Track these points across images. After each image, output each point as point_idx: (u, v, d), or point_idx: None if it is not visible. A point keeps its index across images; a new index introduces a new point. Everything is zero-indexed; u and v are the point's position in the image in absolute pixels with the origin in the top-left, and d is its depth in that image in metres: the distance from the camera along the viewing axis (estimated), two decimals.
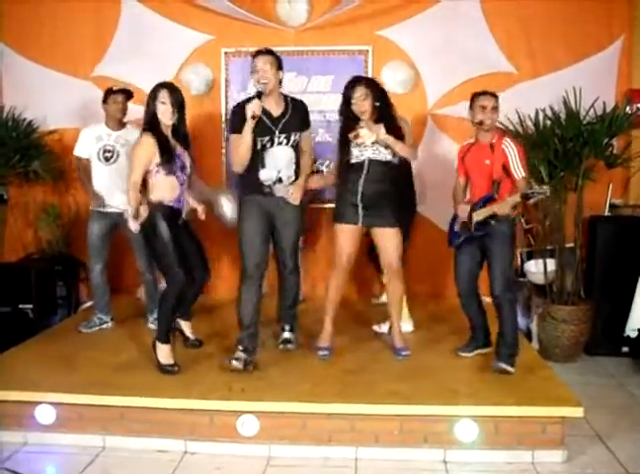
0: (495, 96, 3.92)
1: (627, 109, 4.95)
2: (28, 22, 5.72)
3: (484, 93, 3.93)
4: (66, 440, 3.55)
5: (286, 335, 4.27)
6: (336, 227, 4.10)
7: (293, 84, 5.57)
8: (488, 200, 3.84)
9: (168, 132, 3.87)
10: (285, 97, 4.08)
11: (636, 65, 5.42)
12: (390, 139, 3.89)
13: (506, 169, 3.82)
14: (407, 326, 4.59)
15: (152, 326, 4.70)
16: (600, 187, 5.10)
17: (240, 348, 3.88)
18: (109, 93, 4.67)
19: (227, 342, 4.30)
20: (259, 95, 3.88)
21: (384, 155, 3.97)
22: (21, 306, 5.15)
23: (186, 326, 4.35)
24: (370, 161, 3.96)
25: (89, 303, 5.35)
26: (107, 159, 4.63)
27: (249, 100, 3.95)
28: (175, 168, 3.82)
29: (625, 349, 4.98)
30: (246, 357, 3.83)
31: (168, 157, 3.77)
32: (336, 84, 5.49)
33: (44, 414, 3.57)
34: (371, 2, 5.47)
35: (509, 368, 3.79)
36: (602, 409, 3.98)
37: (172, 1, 5.61)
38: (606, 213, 5.26)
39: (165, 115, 3.80)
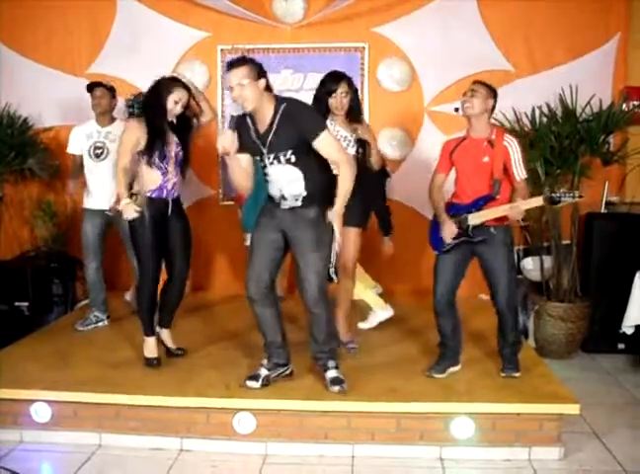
0: (482, 83, 3.64)
1: (623, 106, 4.95)
2: (23, 18, 5.70)
3: (474, 81, 3.70)
4: (62, 438, 3.54)
5: (333, 373, 3.57)
6: None
7: (290, 81, 5.58)
8: (487, 201, 3.58)
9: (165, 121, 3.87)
10: (277, 103, 3.35)
11: (632, 63, 5.42)
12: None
13: (504, 168, 3.59)
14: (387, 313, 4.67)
15: None
16: (596, 184, 5.10)
17: (265, 362, 3.64)
18: (88, 88, 4.70)
19: (224, 340, 4.31)
20: (232, 117, 3.43)
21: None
22: (17, 304, 5.16)
23: (166, 335, 4.11)
24: None
25: (85, 301, 5.34)
26: (97, 156, 4.62)
27: (242, 117, 3.46)
28: (154, 159, 3.78)
29: (621, 345, 4.99)
30: (268, 374, 3.62)
31: (151, 146, 3.75)
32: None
33: (40, 412, 3.56)
34: None
35: (516, 375, 3.72)
36: (599, 406, 3.99)
37: None
38: (603, 210, 5.26)
39: (172, 113, 3.80)
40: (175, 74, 4.14)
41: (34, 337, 4.54)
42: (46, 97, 5.69)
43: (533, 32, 5.45)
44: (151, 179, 3.83)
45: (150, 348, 3.95)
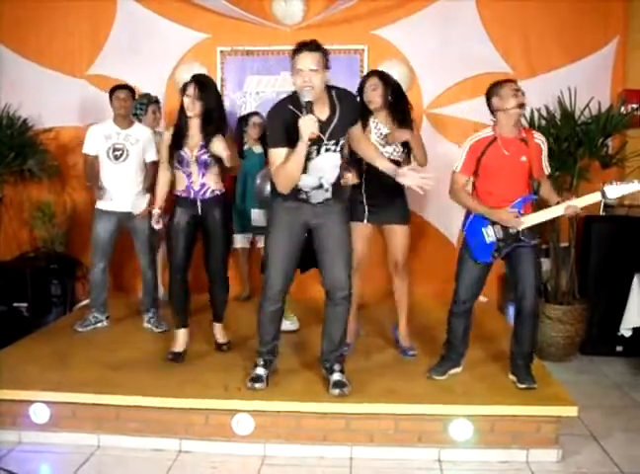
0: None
1: (622, 109, 4.96)
2: (23, 20, 5.70)
3: (507, 80, 3.59)
4: (61, 439, 3.55)
5: (337, 377, 3.57)
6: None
7: (289, 83, 5.56)
8: (527, 202, 3.54)
9: (193, 123, 3.93)
10: (329, 91, 3.37)
11: (631, 66, 5.43)
12: (413, 141, 3.94)
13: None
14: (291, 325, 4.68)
15: (148, 325, 4.70)
16: (594, 187, 5.07)
17: (261, 362, 3.67)
18: (112, 90, 4.65)
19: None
20: (308, 103, 3.22)
21: (387, 154, 3.98)
22: (16, 305, 5.15)
23: (216, 329, 4.29)
24: None
25: (84, 302, 5.35)
26: (116, 157, 4.57)
27: (285, 103, 3.37)
28: (174, 162, 3.94)
29: (619, 348, 5.00)
30: (267, 372, 3.64)
31: (171, 152, 3.94)
32: (331, 83, 5.48)
33: (39, 413, 3.57)
34: (367, 1, 5.47)
35: (534, 386, 3.58)
36: (597, 408, 4.00)
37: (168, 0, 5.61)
38: (601, 213, 5.22)
39: (187, 106, 3.88)
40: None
41: (32, 338, 4.54)
42: (46, 98, 5.68)
43: (532, 34, 5.46)
44: (179, 180, 4.01)
45: (174, 341, 4.11)
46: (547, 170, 3.68)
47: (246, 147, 5.24)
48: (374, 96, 3.98)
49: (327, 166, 3.40)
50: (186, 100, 3.87)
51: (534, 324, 3.66)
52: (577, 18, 5.38)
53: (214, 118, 3.90)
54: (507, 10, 5.41)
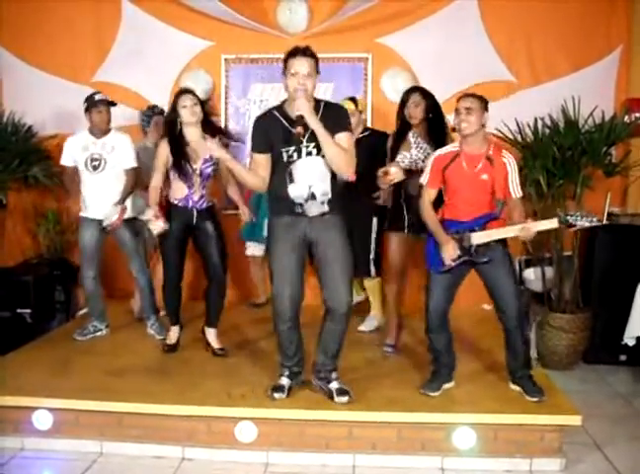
0: (474, 96, 3.50)
1: (626, 118, 4.96)
2: (27, 27, 5.73)
3: (464, 95, 3.55)
4: (63, 446, 3.55)
5: (337, 385, 3.56)
6: (388, 236, 4.34)
7: None
8: (489, 220, 3.48)
9: (191, 132, 4.09)
10: (318, 102, 3.43)
11: (634, 74, 5.44)
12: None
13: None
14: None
15: (151, 331, 4.70)
16: (598, 195, 5.09)
17: (286, 372, 3.63)
18: (91, 104, 4.48)
19: (226, 348, 4.31)
20: (282, 103, 3.42)
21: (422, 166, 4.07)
22: (19, 311, 5.15)
23: (211, 335, 4.31)
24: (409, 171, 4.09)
25: (85, 310, 5.33)
26: (94, 168, 4.49)
27: (271, 110, 3.47)
28: (184, 171, 4.07)
29: (623, 357, 4.98)
30: (290, 383, 3.61)
31: (177, 161, 4.06)
32: (336, 91, 5.50)
33: (42, 419, 3.57)
34: (371, 10, 5.48)
35: (544, 398, 3.53)
36: (600, 417, 3.98)
37: (172, 7, 5.62)
38: (605, 222, 5.24)
39: (186, 115, 4.03)
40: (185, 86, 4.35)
41: (35, 344, 4.54)
42: (51, 105, 5.70)
43: (536, 43, 5.47)
44: (178, 189, 4.14)
45: (170, 335, 4.40)
46: (515, 193, 3.50)
47: None
48: (418, 112, 4.15)
49: (313, 173, 3.34)
50: (184, 111, 4.01)
51: (523, 331, 3.60)
52: (581, 26, 5.39)
53: (212, 122, 4.16)
54: (510, 18, 5.43)
